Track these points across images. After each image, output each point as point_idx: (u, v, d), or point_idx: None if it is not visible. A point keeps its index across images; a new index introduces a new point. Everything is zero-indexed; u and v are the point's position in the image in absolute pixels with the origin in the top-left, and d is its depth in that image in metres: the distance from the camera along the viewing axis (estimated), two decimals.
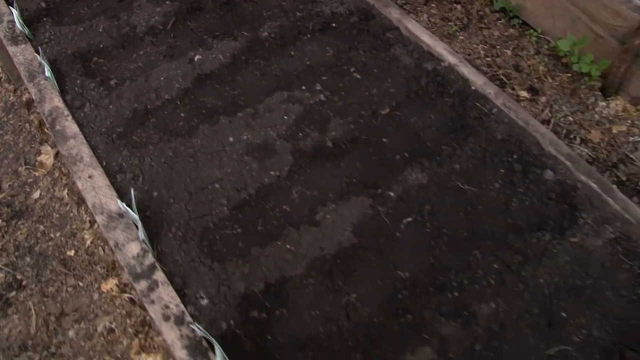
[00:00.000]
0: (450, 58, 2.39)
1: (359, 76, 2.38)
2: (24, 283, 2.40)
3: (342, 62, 2.44)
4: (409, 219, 2.00)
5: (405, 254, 1.93)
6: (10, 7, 2.73)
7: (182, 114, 2.33)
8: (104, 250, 2.46)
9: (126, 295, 2.34)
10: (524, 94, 2.90)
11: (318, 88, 2.34)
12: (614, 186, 2.20)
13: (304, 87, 2.35)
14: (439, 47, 2.42)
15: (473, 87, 2.31)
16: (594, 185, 2.07)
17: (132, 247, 1.94)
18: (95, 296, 2.35)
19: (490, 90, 2.29)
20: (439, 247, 1.95)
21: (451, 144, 2.17)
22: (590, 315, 1.83)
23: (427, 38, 2.46)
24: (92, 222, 2.53)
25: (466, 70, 2.35)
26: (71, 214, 2.58)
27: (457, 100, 2.29)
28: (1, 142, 2.84)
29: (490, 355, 1.75)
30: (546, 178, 2.09)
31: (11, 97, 3.01)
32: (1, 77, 3.09)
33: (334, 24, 2.58)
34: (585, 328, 1.81)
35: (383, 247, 1.95)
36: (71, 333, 2.29)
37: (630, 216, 2.00)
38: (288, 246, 1.95)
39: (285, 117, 2.26)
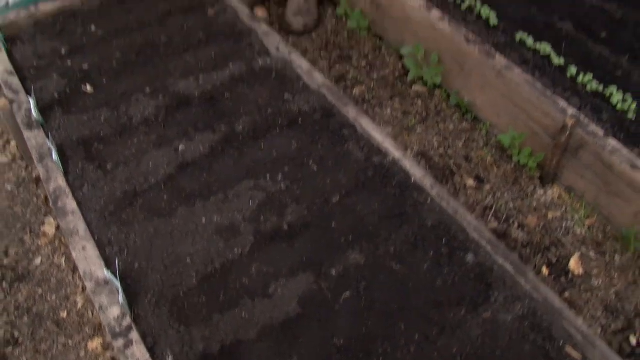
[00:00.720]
0: (395, 153, 2.79)
1: (316, 168, 2.79)
2: (20, 340, 2.74)
3: (304, 154, 2.84)
4: (347, 294, 2.36)
5: (342, 324, 2.28)
6: (29, 96, 3.19)
7: (165, 197, 2.73)
8: (92, 313, 2.82)
9: (109, 354, 2.68)
10: (470, 182, 3.28)
11: (280, 178, 2.74)
12: (534, 270, 2.53)
13: (268, 177, 2.75)
14: (387, 143, 2.83)
15: (413, 179, 2.70)
16: (509, 267, 2.42)
17: (114, 310, 2.30)
18: (82, 354, 2.69)
19: (427, 182, 2.68)
20: (371, 319, 2.29)
21: (389, 229, 2.54)
22: None
23: (377, 135, 2.87)
24: (84, 287, 2.90)
25: (408, 164, 2.75)
26: (67, 280, 2.95)
27: (398, 190, 2.67)
28: (12, 213, 3.25)
29: None
30: (467, 261, 2.45)
31: (23, 173, 3.44)
32: (16, 155, 3.54)
33: (300, 120, 3.01)
34: None
35: (323, 317, 2.29)
36: None
37: (539, 295, 2.34)
38: (244, 314, 2.30)
39: (250, 202, 2.65)
